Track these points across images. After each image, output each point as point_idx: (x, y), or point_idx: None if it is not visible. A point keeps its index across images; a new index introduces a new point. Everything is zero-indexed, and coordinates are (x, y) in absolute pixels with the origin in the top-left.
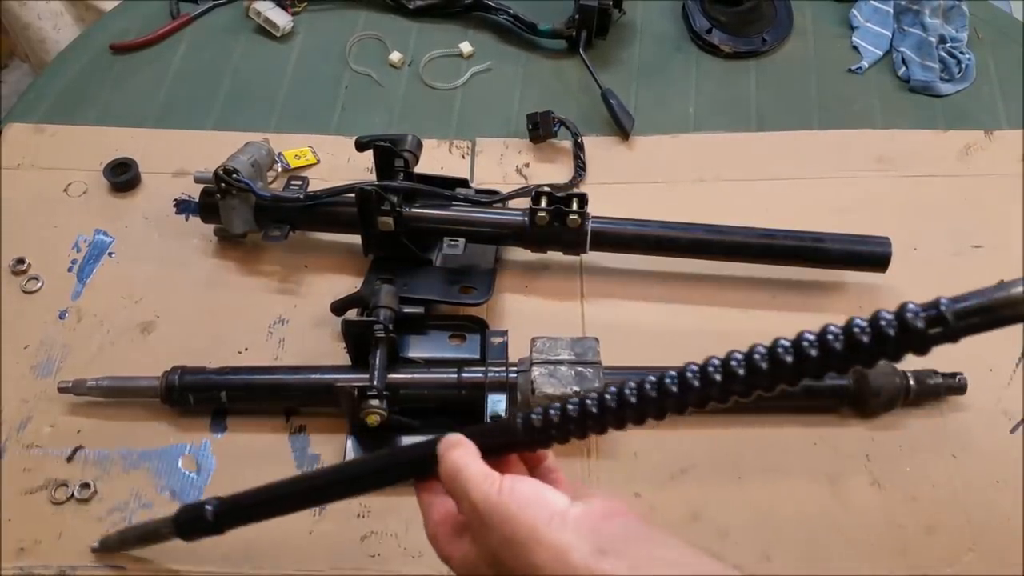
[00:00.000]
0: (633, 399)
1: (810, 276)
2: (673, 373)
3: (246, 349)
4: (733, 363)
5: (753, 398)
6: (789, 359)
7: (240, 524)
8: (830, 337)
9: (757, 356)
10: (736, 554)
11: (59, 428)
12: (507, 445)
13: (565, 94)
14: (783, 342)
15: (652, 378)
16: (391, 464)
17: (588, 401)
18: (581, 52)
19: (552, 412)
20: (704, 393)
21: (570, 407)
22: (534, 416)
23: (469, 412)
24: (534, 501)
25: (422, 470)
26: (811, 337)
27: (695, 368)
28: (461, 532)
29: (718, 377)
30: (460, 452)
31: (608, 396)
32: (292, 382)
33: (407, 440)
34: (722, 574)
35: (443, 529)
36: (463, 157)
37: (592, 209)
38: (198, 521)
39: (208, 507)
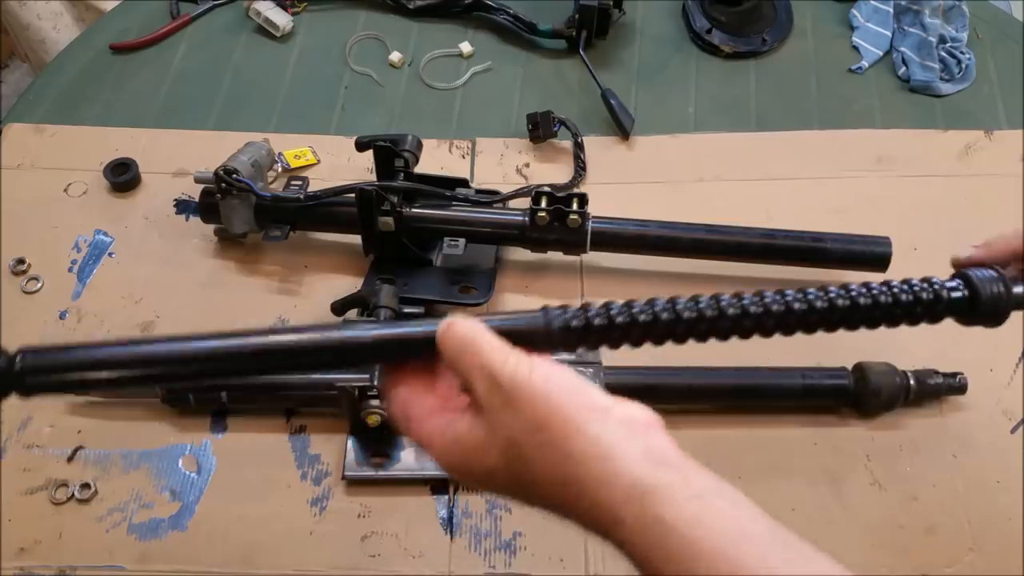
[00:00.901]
0: (689, 314)
1: (810, 276)
2: (732, 297)
3: None
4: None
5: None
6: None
7: (62, 389)
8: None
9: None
10: None
11: (59, 428)
12: (531, 345)
13: (565, 94)
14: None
15: (708, 298)
16: (364, 342)
17: (636, 309)
18: (581, 52)
19: (594, 316)
20: (764, 321)
21: (615, 312)
22: (572, 319)
23: None
24: (573, 388)
25: (405, 352)
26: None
27: (767, 296)
28: (453, 412)
29: (796, 305)
30: (472, 323)
31: (660, 307)
32: (292, 382)
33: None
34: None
35: (420, 406)
36: (463, 157)
37: (592, 209)
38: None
39: (18, 357)
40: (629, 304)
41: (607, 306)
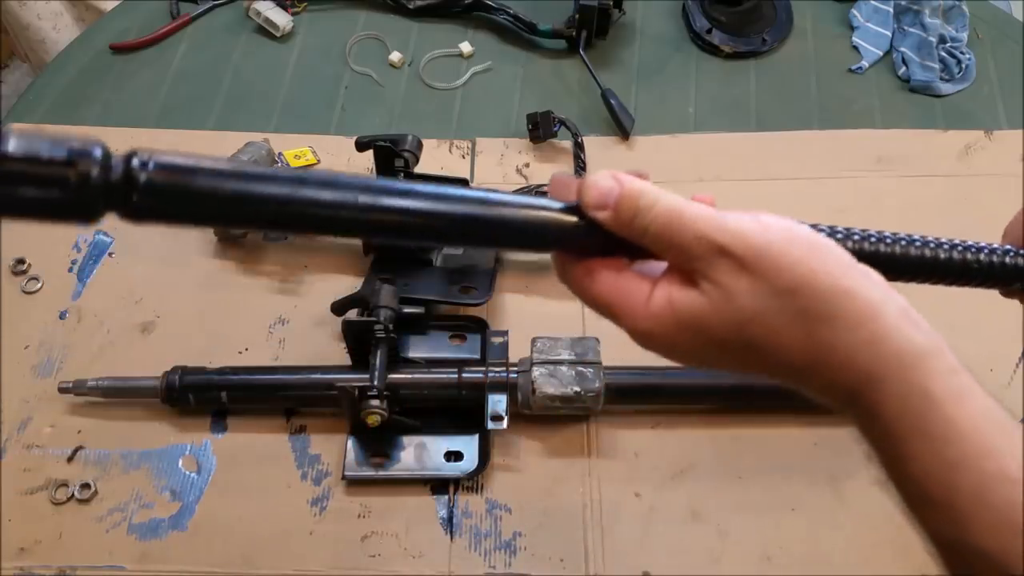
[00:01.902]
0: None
1: None
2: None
3: (246, 349)
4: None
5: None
6: None
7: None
8: None
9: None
10: (736, 554)
11: (59, 428)
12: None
13: (565, 94)
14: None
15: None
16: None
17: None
18: (581, 52)
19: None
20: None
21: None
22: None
23: (469, 412)
24: (821, 246)
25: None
26: None
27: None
28: (652, 282)
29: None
30: (651, 196)
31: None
32: (292, 382)
33: (410, 440)
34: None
35: (610, 272)
36: (463, 157)
37: None
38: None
39: (140, 163)
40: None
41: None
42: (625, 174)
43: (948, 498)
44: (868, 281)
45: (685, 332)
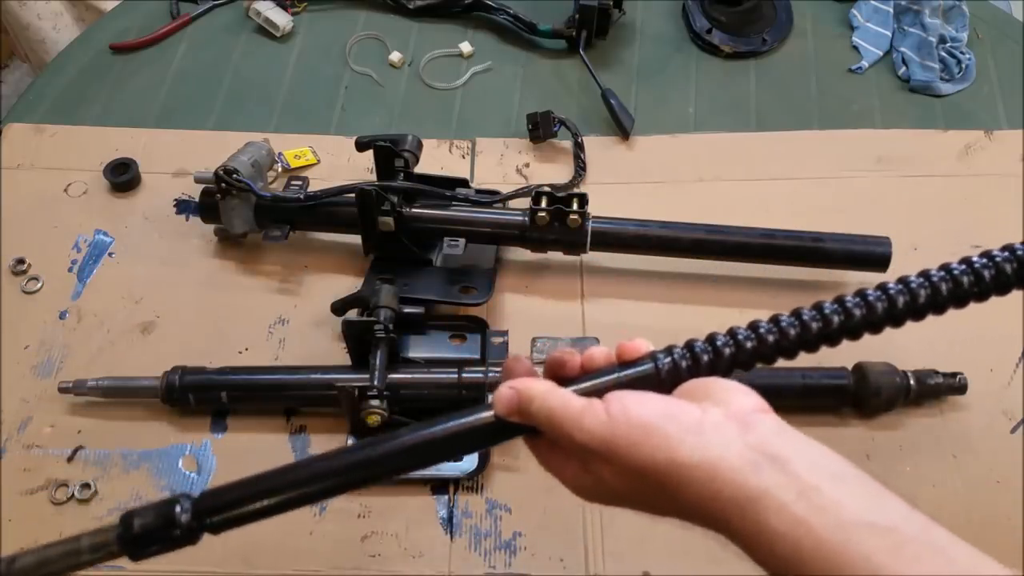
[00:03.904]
0: (793, 331)
1: (810, 276)
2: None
3: (246, 349)
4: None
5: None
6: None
7: (229, 528)
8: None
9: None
10: (736, 554)
11: (59, 428)
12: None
13: (565, 94)
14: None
15: (807, 311)
16: (442, 440)
17: (740, 336)
18: (581, 52)
19: (701, 350)
20: (857, 325)
21: (721, 344)
22: (680, 359)
23: None
24: (657, 416)
25: (484, 440)
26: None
27: (851, 300)
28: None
29: (879, 305)
30: (540, 400)
31: (764, 329)
32: (292, 382)
33: None
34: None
35: (552, 458)
36: (463, 157)
37: (592, 209)
38: (164, 532)
39: (181, 510)
40: (732, 332)
41: (711, 339)
42: (523, 380)
43: None
44: (702, 441)
45: (596, 498)
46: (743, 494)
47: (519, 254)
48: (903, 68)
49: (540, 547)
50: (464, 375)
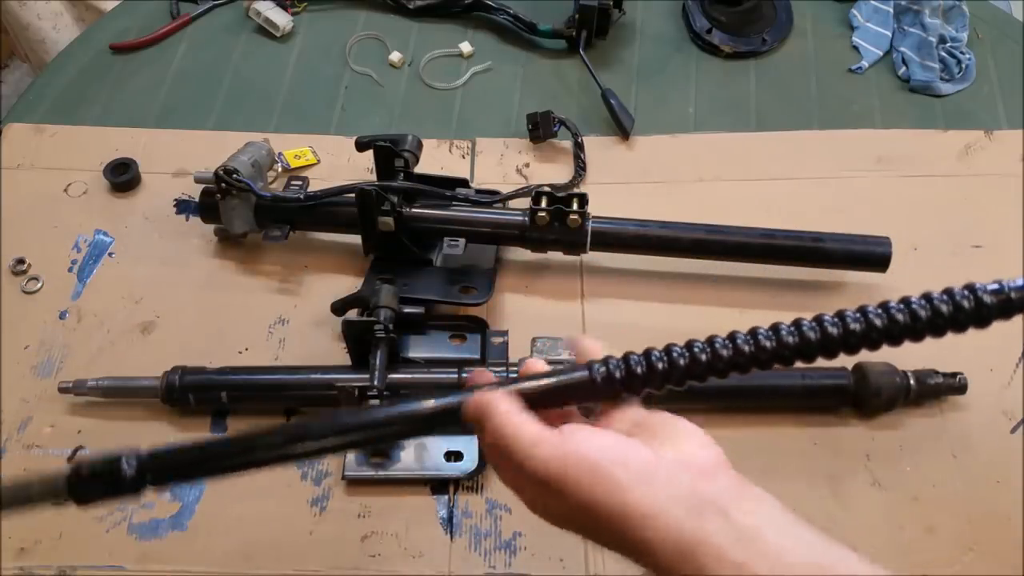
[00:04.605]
0: (725, 352)
1: (810, 276)
2: (768, 330)
3: (246, 349)
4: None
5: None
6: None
7: (172, 483)
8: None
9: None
10: None
11: (59, 428)
12: (575, 398)
13: (565, 94)
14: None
15: (743, 335)
16: (401, 419)
17: (675, 353)
18: (581, 52)
19: (635, 363)
20: (803, 349)
21: (655, 358)
22: (614, 369)
23: None
24: (608, 461)
25: (442, 425)
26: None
27: (800, 325)
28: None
29: (812, 335)
30: (497, 419)
31: (698, 348)
32: (292, 382)
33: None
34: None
35: (504, 464)
36: (463, 157)
37: (592, 209)
38: (108, 479)
39: (125, 461)
40: (668, 349)
41: (647, 353)
42: (487, 394)
43: None
44: (651, 491)
45: (548, 520)
46: (684, 540)
47: (519, 254)
48: (903, 68)
49: (540, 547)
50: (464, 375)
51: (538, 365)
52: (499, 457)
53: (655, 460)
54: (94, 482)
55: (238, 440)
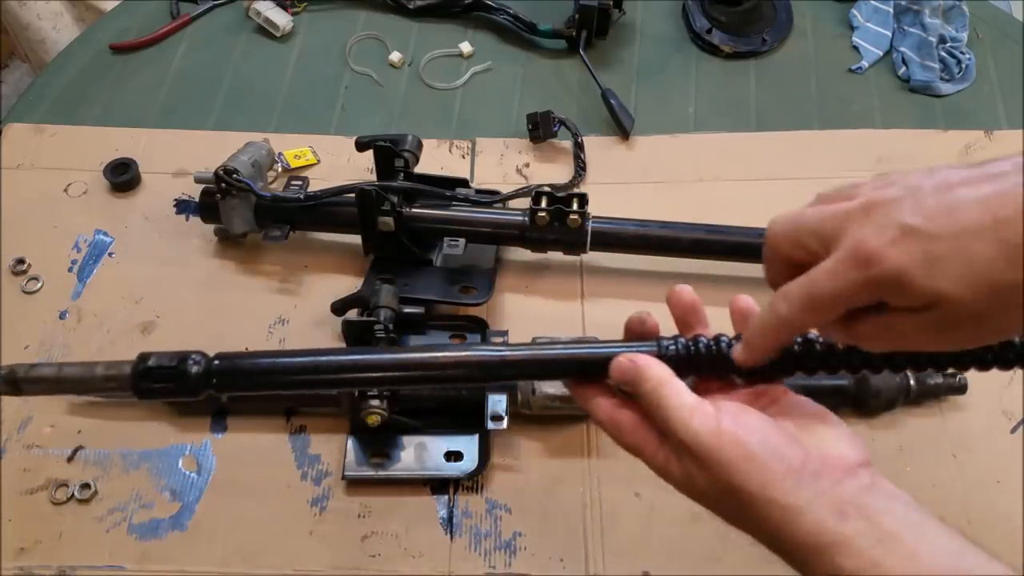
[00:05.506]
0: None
1: None
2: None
3: (246, 349)
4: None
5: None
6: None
7: (234, 391)
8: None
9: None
10: (736, 555)
11: (59, 428)
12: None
13: (565, 94)
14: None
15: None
16: (543, 360)
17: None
18: (581, 52)
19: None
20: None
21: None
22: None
23: (469, 412)
24: (763, 450)
25: (583, 375)
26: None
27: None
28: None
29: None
30: (653, 383)
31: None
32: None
33: (410, 439)
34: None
35: (633, 430)
36: (463, 157)
37: (592, 209)
38: (173, 374)
39: (193, 360)
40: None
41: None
42: (644, 357)
43: None
44: (798, 487)
45: (680, 488)
46: (824, 540)
47: (519, 254)
48: (903, 68)
49: (540, 547)
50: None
51: (646, 323)
52: (638, 418)
53: (804, 455)
54: (159, 376)
55: (306, 355)
